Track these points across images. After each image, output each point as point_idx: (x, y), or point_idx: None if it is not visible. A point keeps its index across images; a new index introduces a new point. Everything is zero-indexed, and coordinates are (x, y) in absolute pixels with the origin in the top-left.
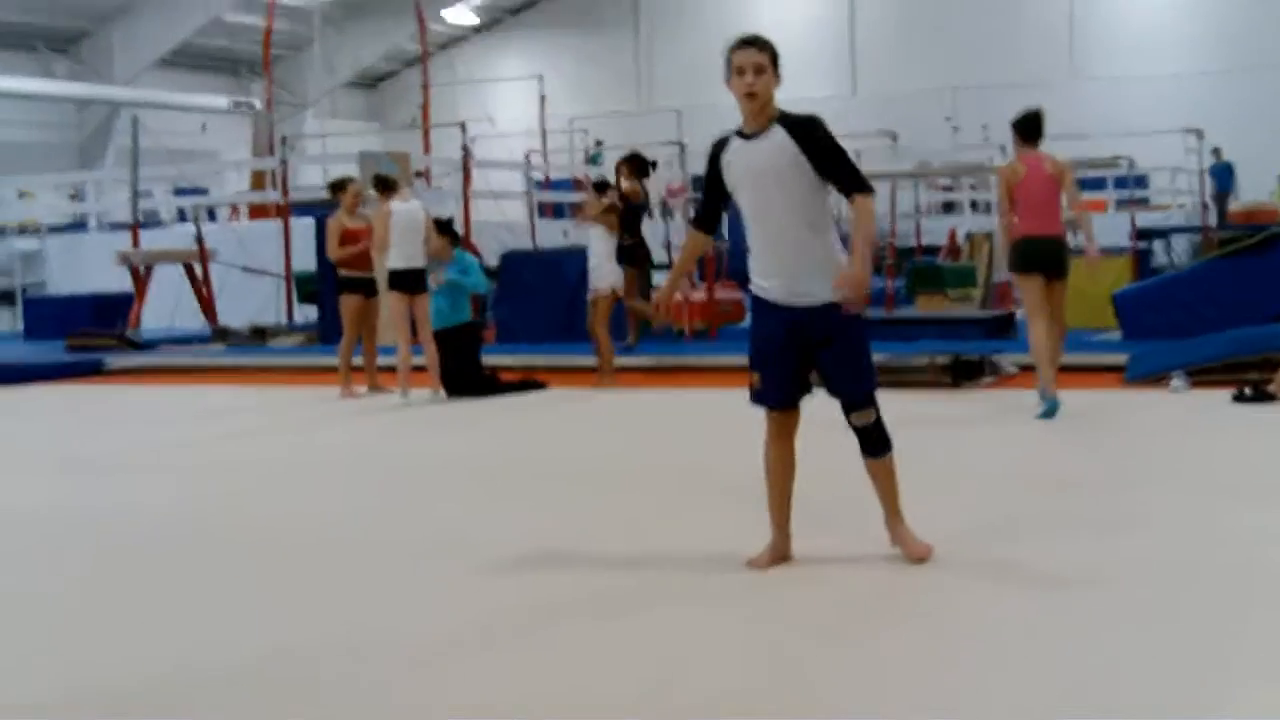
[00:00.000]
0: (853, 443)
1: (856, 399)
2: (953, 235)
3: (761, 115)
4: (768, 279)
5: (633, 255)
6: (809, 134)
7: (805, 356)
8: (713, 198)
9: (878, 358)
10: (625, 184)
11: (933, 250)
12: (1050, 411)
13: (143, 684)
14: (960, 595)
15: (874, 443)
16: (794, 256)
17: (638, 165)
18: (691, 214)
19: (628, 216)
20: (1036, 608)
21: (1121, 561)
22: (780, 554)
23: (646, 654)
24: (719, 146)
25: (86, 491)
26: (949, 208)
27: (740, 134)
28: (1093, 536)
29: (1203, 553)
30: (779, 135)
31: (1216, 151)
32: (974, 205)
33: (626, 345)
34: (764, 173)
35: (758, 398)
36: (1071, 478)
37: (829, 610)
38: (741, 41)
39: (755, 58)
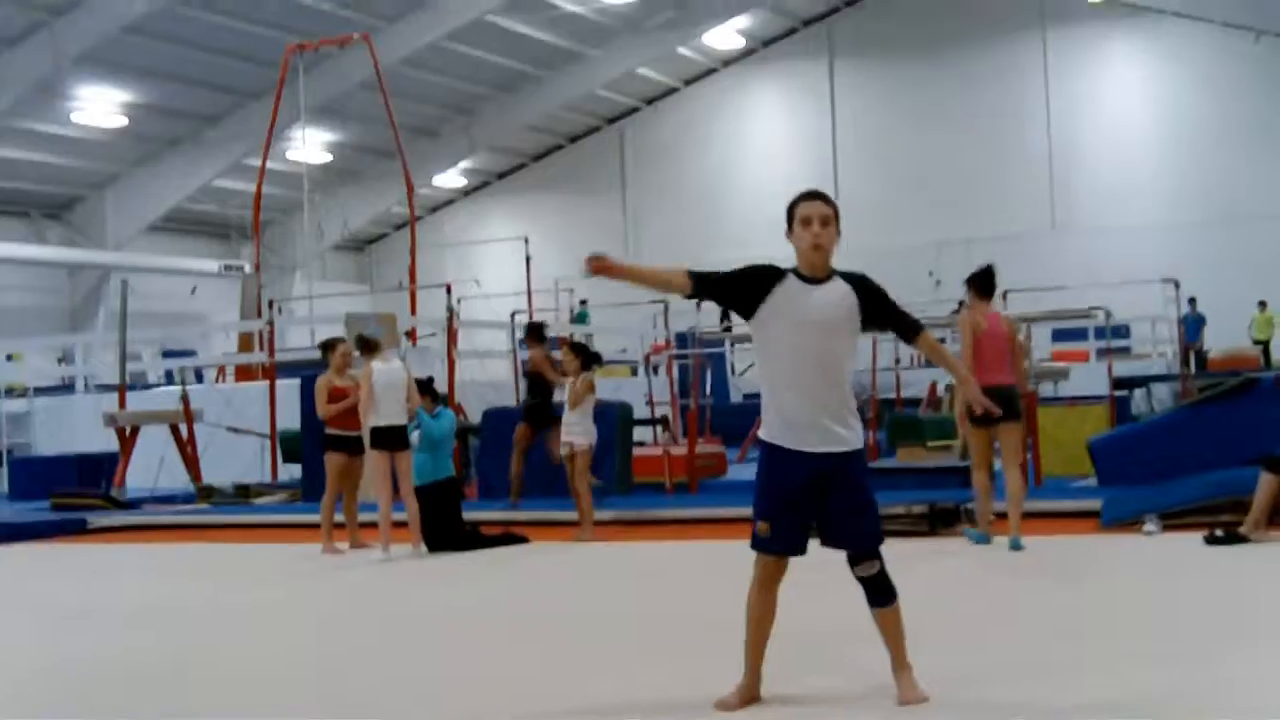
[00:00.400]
0: (839, 584)
1: (867, 546)
2: (933, 388)
3: (825, 266)
4: (800, 425)
5: (534, 414)
6: (868, 287)
7: (816, 506)
8: (728, 286)
9: None
10: (532, 351)
11: (913, 402)
12: (984, 541)
13: None
14: None
15: (882, 591)
16: (837, 401)
17: (537, 333)
18: (676, 369)
19: (533, 381)
20: None
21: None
22: (751, 695)
23: None
24: (776, 273)
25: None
26: (929, 361)
27: (800, 276)
28: (1075, 678)
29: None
30: (841, 287)
31: (1192, 302)
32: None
33: (511, 504)
34: (825, 320)
35: (764, 545)
36: (1046, 621)
37: None
38: (808, 195)
39: (822, 210)
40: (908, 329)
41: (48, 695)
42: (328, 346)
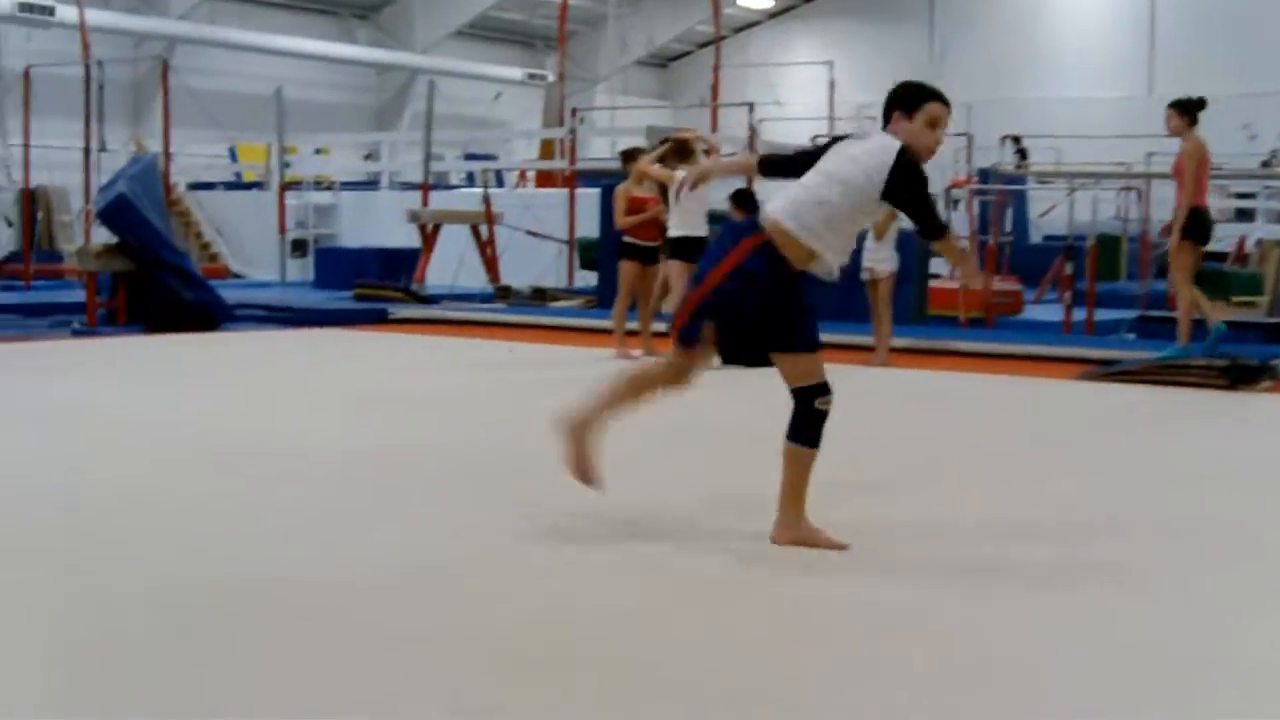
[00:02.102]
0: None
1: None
2: (1242, 242)
3: None
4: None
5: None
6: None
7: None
8: (797, 157)
9: (1156, 355)
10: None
11: (1220, 256)
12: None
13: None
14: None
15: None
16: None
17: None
18: (976, 206)
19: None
20: None
21: None
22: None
23: None
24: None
25: (365, 425)
26: (1243, 215)
27: None
28: None
29: None
30: None
31: None
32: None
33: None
34: None
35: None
36: None
37: None
38: (942, 97)
39: (949, 118)
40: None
41: (355, 472)
42: (628, 156)
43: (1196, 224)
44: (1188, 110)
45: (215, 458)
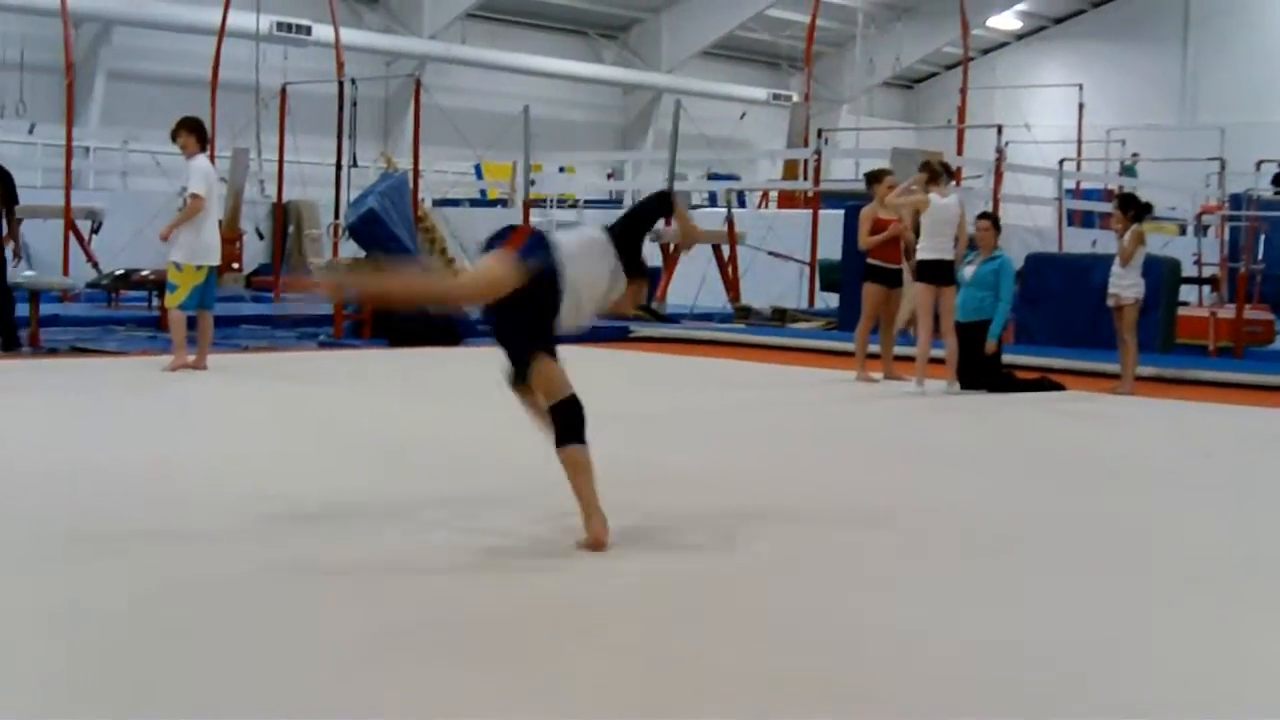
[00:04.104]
0: None
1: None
2: None
3: None
4: None
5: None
6: None
7: None
8: None
9: None
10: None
11: None
12: None
13: None
14: None
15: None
16: None
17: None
18: (1227, 233)
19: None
20: None
21: None
22: None
23: None
24: None
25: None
26: None
27: None
28: None
29: None
30: None
31: None
32: None
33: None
34: None
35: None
36: None
37: None
38: None
39: None
40: None
41: None
42: (874, 178)
43: None
44: None
45: (466, 470)
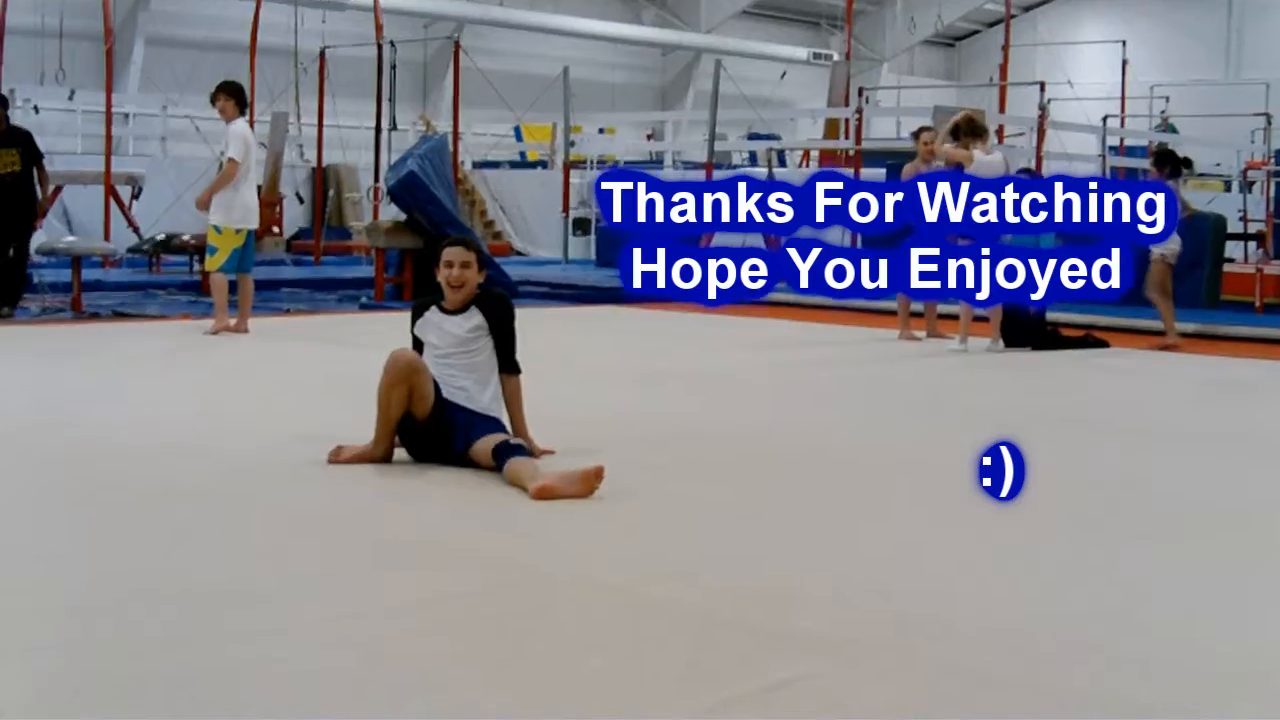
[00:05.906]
0: None
1: None
2: None
3: None
4: None
5: None
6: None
7: None
8: None
9: None
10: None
11: None
12: None
13: None
14: None
15: None
16: None
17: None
18: (1274, 189)
19: None
20: None
21: None
22: None
23: None
24: None
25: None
26: None
27: None
28: None
29: None
30: None
31: None
32: None
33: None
34: None
35: None
36: None
37: None
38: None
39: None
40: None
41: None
42: (916, 135)
43: None
44: None
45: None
